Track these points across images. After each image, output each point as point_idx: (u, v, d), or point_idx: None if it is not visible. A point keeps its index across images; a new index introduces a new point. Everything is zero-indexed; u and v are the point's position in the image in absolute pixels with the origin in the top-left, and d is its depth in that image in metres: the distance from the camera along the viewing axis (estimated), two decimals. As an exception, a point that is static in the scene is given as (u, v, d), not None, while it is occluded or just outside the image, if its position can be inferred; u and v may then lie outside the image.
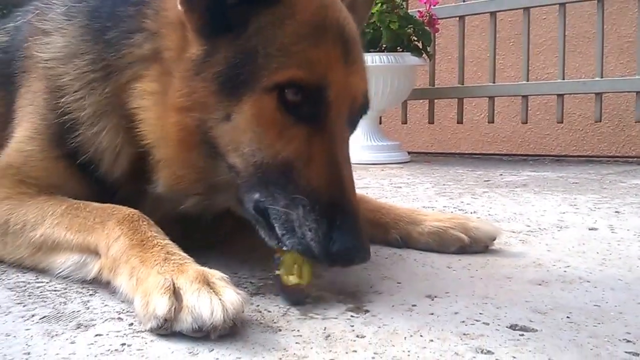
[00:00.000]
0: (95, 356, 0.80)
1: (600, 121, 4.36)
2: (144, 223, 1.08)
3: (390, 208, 1.54)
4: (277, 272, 1.04)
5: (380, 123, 4.96)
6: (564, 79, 4.34)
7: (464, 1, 4.72)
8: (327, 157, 1.08)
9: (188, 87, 1.11)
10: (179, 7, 1.10)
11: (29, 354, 0.81)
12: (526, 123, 4.67)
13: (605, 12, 4.21)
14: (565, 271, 1.27)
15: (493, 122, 4.76)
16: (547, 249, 1.48)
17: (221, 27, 1.10)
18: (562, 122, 4.51)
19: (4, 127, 1.41)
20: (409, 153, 4.59)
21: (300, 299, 1.04)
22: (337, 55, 1.11)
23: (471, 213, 2.01)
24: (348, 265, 1.08)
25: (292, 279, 1.02)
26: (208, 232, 1.35)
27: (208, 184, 1.19)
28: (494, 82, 4.66)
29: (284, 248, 1.06)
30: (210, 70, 1.10)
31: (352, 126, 1.23)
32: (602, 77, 4.18)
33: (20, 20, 1.55)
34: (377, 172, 3.60)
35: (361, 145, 4.22)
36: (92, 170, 1.26)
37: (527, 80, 4.51)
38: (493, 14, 4.59)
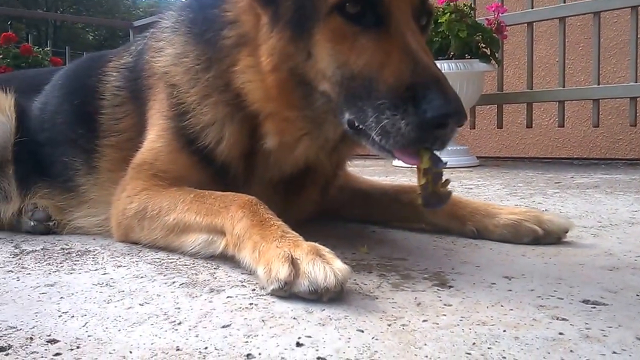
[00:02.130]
0: (232, 311, 0.98)
1: (679, 123, 4.25)
2: (261, 207, 1.27)
3: (467, 202, 1.66)
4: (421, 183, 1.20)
5: (448, 128, 5.03)
6: (636, 81, 4.29)
7: (532, 8, 4.75)
8: (399, 52, 1.21)
9: (270, 48, 1.33)
10: None
11: (179, 308, 1.01)
12: (598, 127, 4.63)
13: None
14: (636, 260, 1.34)
15: (563, 126, 4.75)
16: (618, 241, 1.55)
17: None
18: (635, 125, 4.45)
19: (138, 134, 1.66)
20: (477, 158, 4.66)
21: (439, 202, 1.19)
22: None
23: (543, 211, 2.08)
24: (445, 125, 1.16)
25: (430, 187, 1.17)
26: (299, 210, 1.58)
27: (310, 118, 1.40)
28: (563, 87, 4.66)
29: (386, 153, 1.22)
30: (280, 24, 1.31)
31: (422, 31, 1.35)
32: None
33: (141, 43, 1.82)
34: (446, 175, 3.68)
35: (430, 149, 4.34)
36: (206, 155, 1.48)
37: (598, 84, 4.48)
38: (562, 19, 4.59)
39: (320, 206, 1.73)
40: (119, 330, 0.91)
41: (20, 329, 0.93)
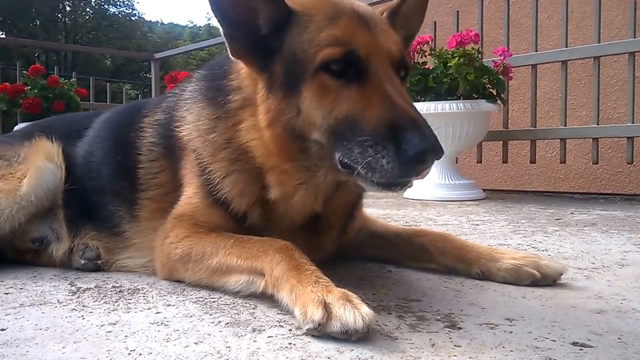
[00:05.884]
0: (274, 351, 1.13)
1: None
2: (296, 252, 1.41)
3: (472, 246, 1.80)
4: None
5: (457, 162, 5.17)
6: (633, 121, 4.42)
7: (536, 51, 4.91)
8: (379, 98, 1.36)
9: (267, 107, 1.51)
10: (233, 58, 1.53)
11: (229, 347, 1.15)
12: (597, 163, 4.75)
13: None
14: (621, 303, 1.47)
15: (565, 162, 4.88)
16: (608, 284, 1.67)
17: (270, 56, 1.49)
18: (631, 163, 4.57)
19: (174, 189, 1.80)
20: (484, 190, 4.79)
21: None
22: (356, 26, 1.44)
23: (543, 251, 2.22)
24: (425, 161, 1.29)
25: None
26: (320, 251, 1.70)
27: (305, 168, 1.54)
28: (565, 125, 4.79)
29: (372, 186, 1.37)
30: (275, 86, 1.49)
31: (402, 79, 1.51)
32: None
33: (172, 100, 1.95)
34: (454, 209, 3.83)
35: (439, 183, 4.49)
36: (231, 209, 1.63)
37: (598, 123, 4.61)
38: (564, 62, 4.75)
39: (339, 245, 1.86)
40: (182, 367, 1.05)
41: (100, 367, 1.07)
